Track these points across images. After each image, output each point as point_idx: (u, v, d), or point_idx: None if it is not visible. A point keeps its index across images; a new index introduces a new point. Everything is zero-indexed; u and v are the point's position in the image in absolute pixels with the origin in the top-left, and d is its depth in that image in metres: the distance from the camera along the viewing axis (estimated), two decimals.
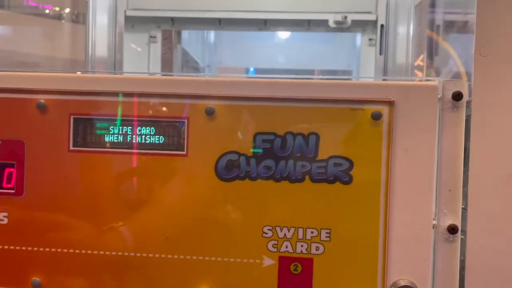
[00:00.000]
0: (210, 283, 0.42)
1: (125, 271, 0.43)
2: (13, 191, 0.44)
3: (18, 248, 0.44)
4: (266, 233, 0.42)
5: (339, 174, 0.41)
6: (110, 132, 0.44)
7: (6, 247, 0.44)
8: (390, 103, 0.40)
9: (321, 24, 1.34)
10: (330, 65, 2.46)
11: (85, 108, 0.44)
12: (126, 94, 0.43)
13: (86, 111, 0.44)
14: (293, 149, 0.42)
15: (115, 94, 0.43)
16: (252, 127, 0.42)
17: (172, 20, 1.39)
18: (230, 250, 0.42)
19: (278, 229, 0.42)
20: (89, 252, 0.43)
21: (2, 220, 0.44)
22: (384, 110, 0.41)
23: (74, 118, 0.44)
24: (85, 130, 0.44)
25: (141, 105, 0.43)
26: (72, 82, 0.43)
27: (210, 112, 0.43)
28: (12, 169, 0.44)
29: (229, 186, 0.43)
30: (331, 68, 2.43)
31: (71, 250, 0.44)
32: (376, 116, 0.40)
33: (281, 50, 2.57)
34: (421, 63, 1.25)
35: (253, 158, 0.42)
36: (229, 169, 0.42)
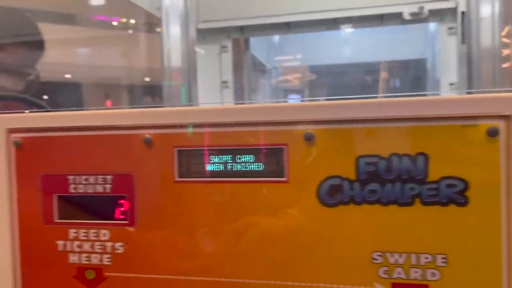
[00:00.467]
0: None
1: None
2: (127, 222, 0.47)
3: (135, 275, 0.47)
4: (376, 259, 0.41)
5: (453, 196, 0.39)
6: (211, 162, 0.45)
7: (124, 275, 0.47)
8: (507, 118, 0.37)
9: (395, 18, 1.28)
10: (401, 56, 2.36)
11: (187, 140, 0.45)
12: (225, 124, 0.44)
13: (188, 143, 0.45)
14: (400, 171, 0.40)
15: (215, 125, 0.44)
16: (353, 150, 0.41)
17: (241, 28, 1.41)
18: (338, 277, 0.42)
19: (388, 255, 0.41)
20: (201, 278, 0.45)
21: (118, 249, 0.47)
22: (500, 125, 0.38)
23: (178, 151, 0.45)
24: (189, 161, 0.45)
25: (240, 134, 0.44)
26: (175, 116, 0.45)
27: (309, 138, 0.42)
28: (124, 201, 0.47)
29: (332, 212, 0.42)
30: (403, 58, 2.33)
31: (183, 277, 0.45)
32: (492, 133, 0.37)
33: (346, 43, 2.51)
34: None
35: (357, 182, 0.41)
36: (332, 194, 0.42)
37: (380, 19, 1.32)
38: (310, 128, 0.42)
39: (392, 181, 0.40)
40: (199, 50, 1.49)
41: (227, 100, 1.49)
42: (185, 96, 1.45)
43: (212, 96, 1.52)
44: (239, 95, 1.64)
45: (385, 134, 0.40)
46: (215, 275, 0.45)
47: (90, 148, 0.47)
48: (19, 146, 0.49)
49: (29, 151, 0.49)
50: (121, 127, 0.47)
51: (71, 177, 0.48)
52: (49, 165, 0.48)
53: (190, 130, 0.45)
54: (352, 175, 0.41)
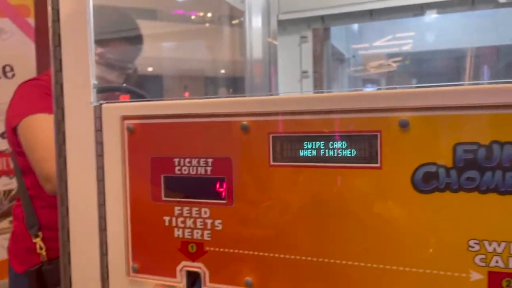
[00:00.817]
0: None
1: (327, 275, 0.46)
2: (225, 201, 0.51)
3: (232, 251, 0.51)
4: (472, 247, 0.41)
5: None
6: (304, 148, 0.47)
7: (222, 249, 0.51)
8: None
9: (488, 2, 1.20)
10: (492, 41, 2.19)
11: (282, 127, 0.48)
12: (319, 112, 0.46)
13: (283, 129, 0.48)
14: (501, 159, 0.39)
15: (309, 112, 0.46)
16: (451, 138, 0.41)
17: (322, 18, 1.40)
18: (433, 263, 0.42)
19: (486, 243, 0.40)
20: (293, 257, 0.48)
21: (218, 226, 0.52)
22: None
23: (273, 137, 0.48)
24: (282, 147, 0.48)
25: (332, 121, 0.46)
26: (271, 104, 0.48)
27: (404, 125, 0.43)
28: (223, 183, 0.51)
29: (427, 198, 0.42)
30: (494, 43, 2.16)
31: (277, 255, 0.48)
32: None
33: (429, 29, 2.38)
34: None
35: (453, 169, 0.41)
36: (427, 181, 0.42)
37: (472, 3, 1.24)
38: (405, 115, 0.43)
39: (493, 168, 0.40)
40: (274, 41, 1.52)
41: (306, 90, 1.50)
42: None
43: (291, 86, 1.54)
44: (317, 85, 1.64)
45: (485, 121, 0.40)
46: (306, 254, 0.47)
47: (193, 133, 0.52)
48: (131, 132, 0.55)
49: (140, 136, 0.55)
50: (221, 115, 0.51)
51: (176, 160, 0.53)
52: (157, 149, 0.54)
53: (283, 118, 0.47)
54: (448, 163, 0.41)
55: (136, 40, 1.18)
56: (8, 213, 3.13)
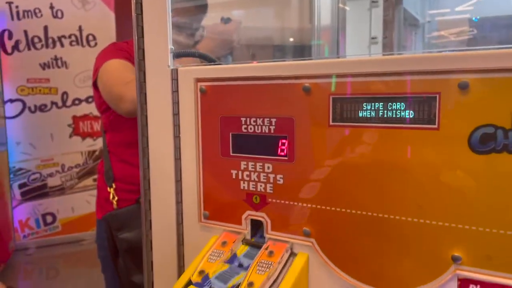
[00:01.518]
0: (462, 249, 0.45)
1: (382, 230, 0.49)
2: (286, 158, 0.55)
3: (292, 203, 0.55)
4: None
5: None
6: (364, 109, 0.50)
7: (283, 201, 0.56)
8: None
9: None
10: None
11: (342, 89, 0.50)
12: (378, 74, 0.48)
13: (343, 91, 0.50)
14: None
15: (369, 74, 0.48)
16: (510, 100, 0.41)
17: None
18: (487, 220, 0.43)
19: None
20: (348, 211, 0.51)
21: (279, 181, 0.56)
22: None
23: (333, 98, 0.51)
24: (342, 108, 0.51)
25: (392, 83, 0.47)
26: (331, 67, 0.51)
27: (463, 86, 0.43)
28: (285, 141, 0.55)
29: (483, 159, 0.43)
30: None
31: (333, 208, 0.52)
32: None
33: None
34: None
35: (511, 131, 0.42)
36: (484, 142, 0.43)
37: None
38: (465, 77, 0.43)
39: None
40: (345, 7, 1.49)
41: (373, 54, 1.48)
42: (327, 54, 1.48)
43: (360, 52, 1.52)
44: (387, 51, 1.60)
45: None
46: (362, 209, 0.50)
47: (258, 95, 0.56)
48: (203, 93, 0.61)
49: (211, 96, 0.60)
50: (284, 77, 0.54)
51: (243, 119, 0.58)
52: (226, 109, 0.59)
53: (334, 80, 0.50)
54: (507, 124, 0.42)
55: (203, 8, 1.26)
56: (92, 172, 3.45)
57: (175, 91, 0.63)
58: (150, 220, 0.68)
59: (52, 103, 3.12)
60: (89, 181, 3.43)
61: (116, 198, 1.29)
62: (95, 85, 1.27)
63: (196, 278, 0.54)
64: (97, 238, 1.36)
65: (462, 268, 0.45)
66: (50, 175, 3.24)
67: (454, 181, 0.45)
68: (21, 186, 3.19)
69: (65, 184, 3.33)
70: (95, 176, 3.44)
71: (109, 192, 1.30)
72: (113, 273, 1.27)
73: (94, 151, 3.40)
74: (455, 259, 0.45)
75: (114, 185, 1.31)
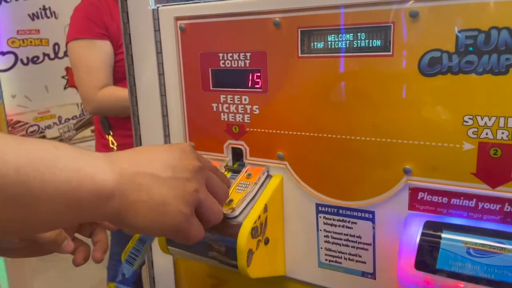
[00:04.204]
0: (412, 162, 0.51)
1: (345, 150, 0.55)
2: (261, 90, 0.60)
3: (267, 131, 0.61)
4: (467, 122, 0.47)
5: None
6: (328, 40, 0.54)
7: (259, 130, 0.62)
8: None
9: None
10: None
11: (309, 22, 0.54)
12: (339, 6, 0.52)
13: (310, 24, 0.54)
14: (498, 43, 0.44)
15: (333, 7, 0.52)
16: (454, 25, 0.46)
17: None
18: (432, 136, 0.49)
19: (478, 118, 0.46)
20: (315, 134, 0.57)
21: (255, 111, 0.62)
22: None
23: (301, 31, 0.55)
24: (309, 40, 0.55)
25: (353, 15, 0.52)
26: (299, 1, 0.54)
27: (414, 15, 0.48)
28: (259, 74, 0.60)
29: (431, 81, 0.48)
30: None
31: (303, 133, 0.58)
32: None
33: None
34: None
35: (455, 54, 0.46)
36: (432, 65, 0.48)
37: None
38: (415, 6, 0.48)
39: (489, 52, 0.45)
40: None
41: None
42: None
43: None
44: None
45: (484, 9, 0.44)
46: (327, 132, 0.56)
47: (234, 31, 0.60)
48: (183, 31, 0.64)
49: (190, 34, 0.64)
50: (256, 12, 0.58)
51: (221, 55, 0.62)
52: (205, 45, 0.63)
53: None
54: (451, 48, 0.47)
55: None
56: (90, 123, 3.50)
57: (157, 30, 0.66)
58: None
59: (44, 54, 3.11)
60: (87, 132, 3.49)
61: (115, 144, 1.36)
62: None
63: None
64: None
65: (412, 178, 0.52)
66: (48, 127, 3.30)
67: (405, 101, 0.50)
68: None
69: (63, 136, 3.39)
70: (93, 127, 3.50)
71: (108, 139, 1.36)
72: None
73: None
74: (406, 171, 0.52)
75: (111, 132, 1.37)
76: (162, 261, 0.78)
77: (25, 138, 0.36)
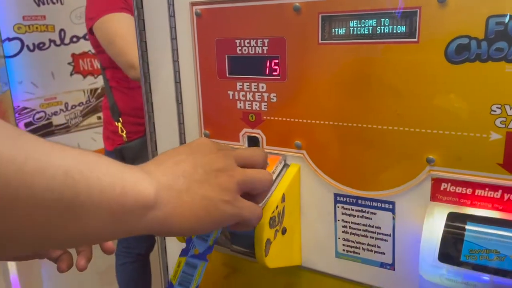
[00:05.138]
0: (436, 152, 0.50)
1: (365, 139, 0.54)
2: (279, 77, 0.59)
3: (285, 119, 0.60)
4: (495, 111, 0.46)
5: None
6: (350, 26, 0.53)
7: (276, 118, 0.61)
8: None
9: None
10: None
11: (330, 7, 0.53)
12: None
13: (331, 9, 0.53)
14: None
15: None
16: (484, 11, 0.44)
17: None
18: (458, 125, 0.48)
19: (507, 107, 0.45)
20: (336, 123, 0.56)
21: (273, 99, 0.60)
22: None
23: (322, 16, 0.54)
24: (330, 26, 0.54)
25: (376, 0, 0.50)
26: None
27: (442, 0, 0.46)
28: (277, 61, 0.59)
29: (458, 69, 0.47)
30: None
31: (323, 122, 0.57)
32: None
33: None
34: None
35: (484, 41, 0.45)
36: (459, 53, 0.46)
37: None
38: None
39: None
40: None
41: None
42: None
43: None
44: None
45: None
46: (348, 121, 0.55)
47: (252, 16, 0.59)
48: (199, 16, 0.63)
49: (206, 20, 0.63)
50: None
51: (237, 41, 0.61)
52: (222, 31, 0.62)
53: None
54: (480, 35, 0.45)
55: None
56: (96, 110, 3.50)
57: (172, 16, 0.65)
58: (155, 141, 0.73)
59: (50, 41, 3.10)
60: (93, 119, 3.49)
61: (125, 131, 1.35)
62: (90, 31, 1.28)
63: None
64: None
65: (435, 169, 0.50)
66: (55, 113, 3.30)
67: (430, 90, 0.49)
68: (27, 125, 3.26)
69: (70, 122, 3.39)
70: (99, 114, 3.49)
71: (117, 126, 1.35)
72: None
73: (96, 89, 3.42)
74: (429, 161, 0.50)
75: (121, 119, 1.36)
76: (175, 249, 0.77)
77: (60, 144, 0.34)
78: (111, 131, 1.41)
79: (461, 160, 0.49)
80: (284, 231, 0.59)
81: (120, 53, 1.19)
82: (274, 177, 0.59)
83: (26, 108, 3.22)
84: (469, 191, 0.49)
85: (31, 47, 3.06)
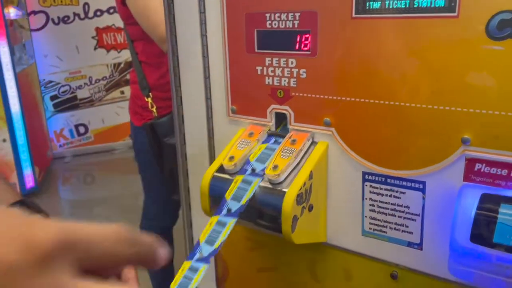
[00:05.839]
0: (472, 132, 0.48)
1: (397, 117, 0.53)
2: (309, 52, 0.58)
3: (314, 96, 0.59)
4: None
5: None
6: (386, 0, 0.51)
7: (306, 95, 0.60)
8: None
9: None
10: None
11: None
12: None
13: None
14: None
15: None
16: None
17: None
18: (497, 104, 0.46)
19: None
20: (366, 100, 0.55)
21: (302, 75, 0.59)
22: None
23: None
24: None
25: None
26: None
27: None
28: (308, 35, 0.57)
29: (499, 45, 0.45)
30: None
31: (353, 99, 0.56)
32: None
33: None
34: None
35: None
36: (501, 28, 0.44)
37: None
38: None
39: None
40: None
41: None
42: None
43: None
44: None
45: None
46: (380, 98, 0.54)
47: None
48: None
49: None
50: None
51: (267, 15, 0.60)
52: (251, 5, 0.60)
53: None
54: None
55: None
56: (119, 84, 3.53)
57: None
58: (183, 115, 0.74)
59: (75, 14, 3.11)
60: (116, 93, 3.53)
61: (155, 106, 1.34)
62: (123, 2, 1.26)
63: (227, 163, 0.60)
64: (136, 143, 1.45)
65: (470, 148, 0.49)
66: (79, 87, 3.35)
67: (469, 67, 0.47)
68: (52, 98, 3.32)
69: (93, 96, 3.44)
70: (122, 89, 3.53)
71: (147, 101, 1.35)
72: (152, 173, 1.38)
73: (119, 64, 3.45)
74: (464, 141, 0.49)
75: (151, 94, 1.35)
76: (200, 222, 0.79)
77: None
78: (139, 106, 1.41)
79: (498, 139, 0.47)
80: (310, 208, 0.59)
81: (155, 26, 1.18)
82: (301, 154, 0.59)
83: (51, 82, 3.27)
84: (504, 172, 0.48)
85: (56, 21, 3.08)
